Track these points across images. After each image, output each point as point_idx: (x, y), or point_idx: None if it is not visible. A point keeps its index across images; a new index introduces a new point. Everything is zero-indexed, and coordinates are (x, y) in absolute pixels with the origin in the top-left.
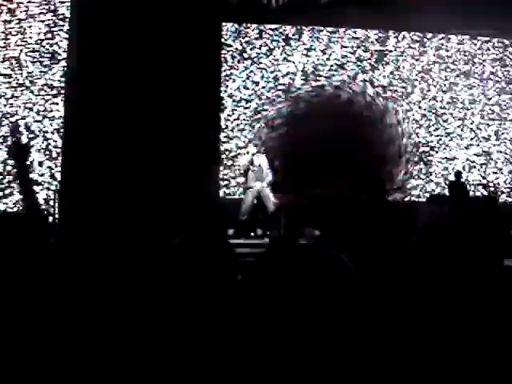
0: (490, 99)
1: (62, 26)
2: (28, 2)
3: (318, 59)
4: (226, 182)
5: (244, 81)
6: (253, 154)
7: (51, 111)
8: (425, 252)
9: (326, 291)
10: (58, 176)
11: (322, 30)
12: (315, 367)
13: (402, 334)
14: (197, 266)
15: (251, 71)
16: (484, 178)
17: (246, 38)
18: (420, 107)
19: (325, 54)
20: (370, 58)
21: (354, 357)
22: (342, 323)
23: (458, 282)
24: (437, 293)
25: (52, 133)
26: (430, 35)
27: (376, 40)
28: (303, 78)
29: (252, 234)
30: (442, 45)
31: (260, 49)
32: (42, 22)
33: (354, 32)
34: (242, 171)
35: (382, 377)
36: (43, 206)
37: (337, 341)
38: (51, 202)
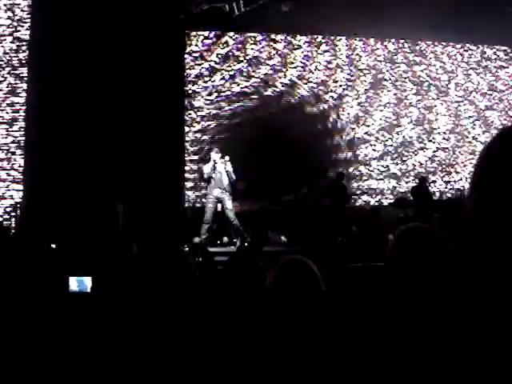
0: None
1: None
2: None
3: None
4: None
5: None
6: (215, 161)
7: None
8: (402, 257)
9: (292, 298)
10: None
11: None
12: (285, 374)
13: (373, 339)
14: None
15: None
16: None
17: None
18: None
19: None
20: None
21: (324, 363)
22: (310, 329)
23: (436, 286)
24: (412, 298)
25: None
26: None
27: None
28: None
29: (218, 241)
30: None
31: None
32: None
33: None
34: (206, 179)
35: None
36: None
37: (302, 345)
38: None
